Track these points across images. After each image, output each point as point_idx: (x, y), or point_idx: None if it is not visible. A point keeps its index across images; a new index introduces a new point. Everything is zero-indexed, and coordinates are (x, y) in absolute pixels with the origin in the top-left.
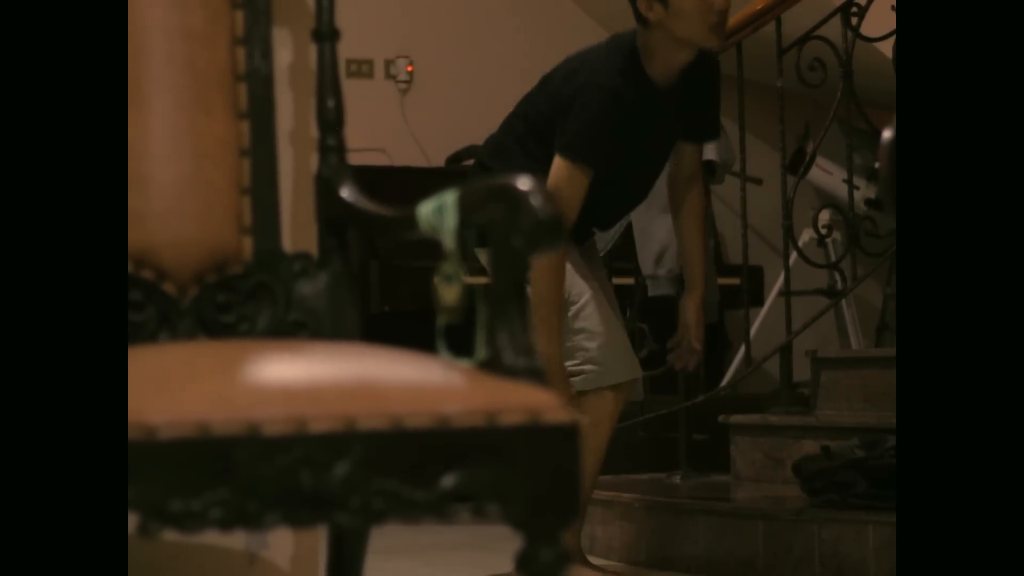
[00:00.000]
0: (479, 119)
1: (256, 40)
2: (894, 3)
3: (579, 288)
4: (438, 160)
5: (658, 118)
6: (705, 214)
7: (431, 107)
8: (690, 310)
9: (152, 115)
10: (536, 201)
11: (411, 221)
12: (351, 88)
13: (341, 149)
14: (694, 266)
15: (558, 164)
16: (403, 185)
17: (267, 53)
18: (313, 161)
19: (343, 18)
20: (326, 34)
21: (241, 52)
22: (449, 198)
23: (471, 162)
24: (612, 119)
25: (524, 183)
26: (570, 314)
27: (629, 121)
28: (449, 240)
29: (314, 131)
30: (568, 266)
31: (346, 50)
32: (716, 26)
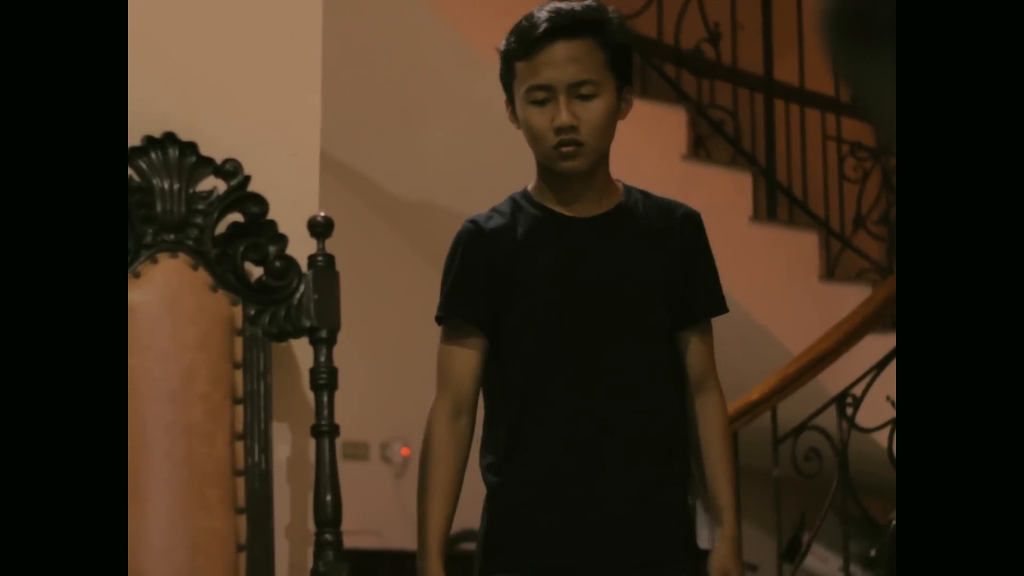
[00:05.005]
0: (475, 504)
1: (256, 435)
2: (889, 394)
3: None
4: None
5: (584, 262)
6: (727, 435)
7: None
8: (725, 558)
9: (150, 509)
10: None
11: None
12: (345, 470)
13: (338, 544)
14: (721, 496)
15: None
16: (396, 569)
17: (266, 448)
18: (309, 556)
19: (338, 402)
20: (325, 430)
21: (240, 447)
22: None
23: (468, 546)
24: (482, 255)
25: None
26: None
27: (524, 260)
28: None
29: (311, 525)
30: None
31: (341, 433)
32: (558, 148)
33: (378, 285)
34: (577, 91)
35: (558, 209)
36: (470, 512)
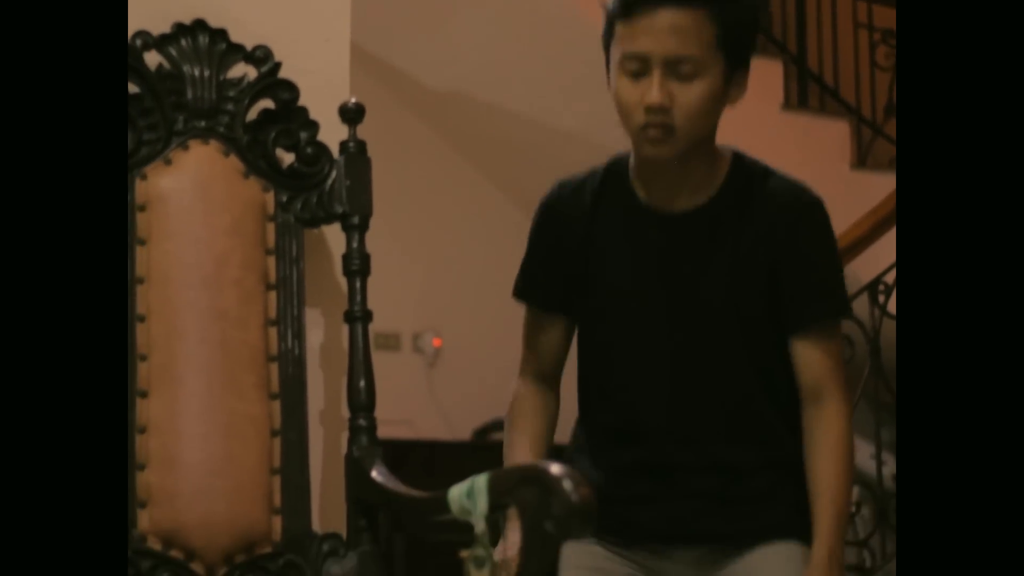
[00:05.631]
0: (505, 393)
1: (289, 321)
2: None
3: None
4: (463, 433)
5: (666, 259)
6: (848, 448)
7: (457, 381)
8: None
9: (184, 395)
10: (568, 486)
11: (442, 504)
12: (378, 361)
13: (372, 429)
14: (819, 519)
15: None
16: (429, 457)
17: (299, 334)
18: (343, 441)
19: (371, 293)
20: (358, 316)
21: (274, 333)
22: (480, 481)
23: (499, 435)
24: (553, 237)
25: (556, 469)
26: None
27: (596, 254)
28: (480, 524)
29: (345, 410)
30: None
31: (374, 324)
32: (645, 129)
33: (409, 178)
34: (676, 68)
35: (644, 198)
36: (505, 400)
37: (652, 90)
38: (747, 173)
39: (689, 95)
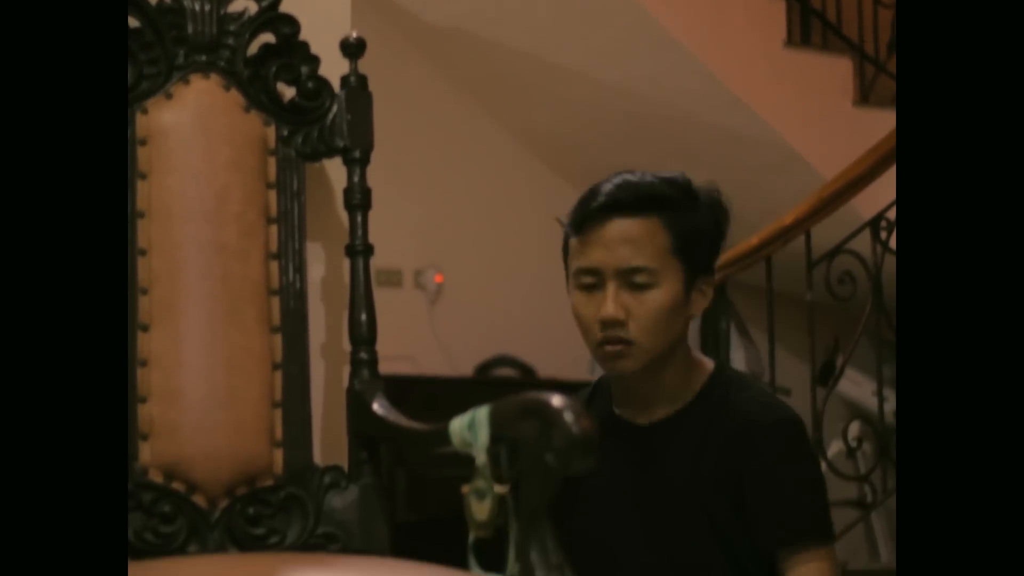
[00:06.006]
0: (507, 329)
1: (290, 255)
2: None
3: None
4: (466, 369)
5: (636, 471)
6: None
7: (459, 317)
8: None
9: (185, 328)
10: (570, 418)
11: (443, 436)
12: (380, 297)
13: (373, 363)
14: None
15: None
16: (431, 394)
17: (301, 268)
18: (345, 374)
19: (372, 229)
20: (359, 250)
21: (275, 266)
22: (482, 413)
23: (502, 370)
24: None
25: (558, 400)
26: None
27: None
28: (481, 456)
29: (346, 344)
30: None
31: (375, 260)
32: (602, 346)
33: (410, 114)
34: (630, 279)
35: (621, 410)
36: (506, 337)
37: (606, 303)
38: (723, 385)
39: (645, 306)
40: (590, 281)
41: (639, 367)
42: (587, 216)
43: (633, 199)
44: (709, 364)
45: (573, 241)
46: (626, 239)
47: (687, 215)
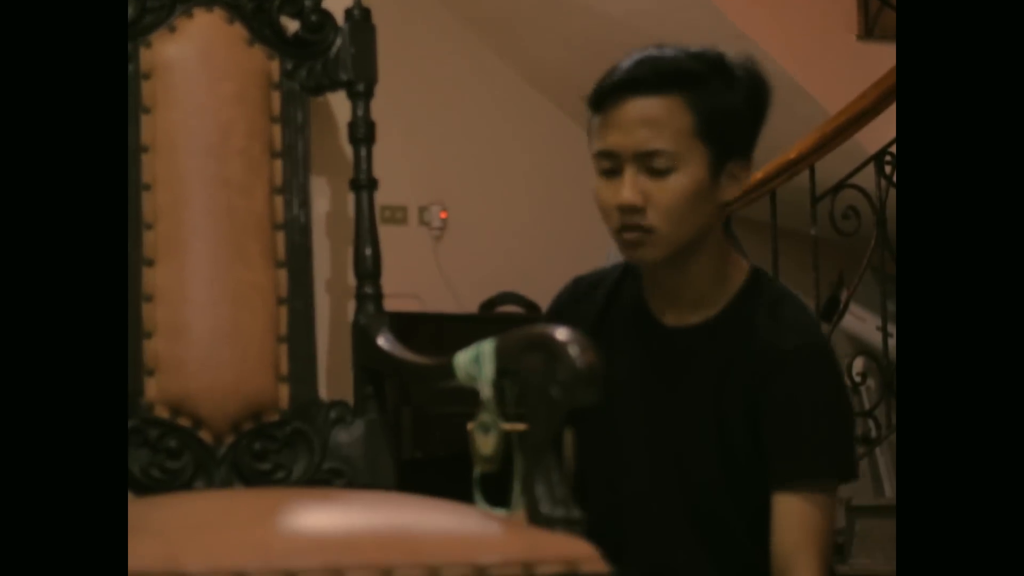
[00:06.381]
0: (512, 266)
1: (295, 189)
2: None
3: None
4: (471, 306)
5: (655, 373)
6: None
7: (464, 254)
8: None
9: (190, 263)
10: (575, 352)
11: (448, 370)
12: (384, 234)
13: (378, 297)
14: None
15: None
16: (437, 331)
17: (305, 202)
18: (350, 309)
19: (377, 165)
20: (364, 184)
21: (279, 201)
22: (487, 347)
23: (506, 308)
24: None
25: (562, 333)
26: None
27: (603, 350)
28: (486, 389)
29: (351, 279)
30: None
31: (380, 197)
32: (621, 232)
33: (415, 50)
34: (648, 163)
35: (650, 305)
36: (511, 274)
37: (623, 189)
38: (759, 295)
39: (665, 192)
40: (609, 165)
41: (661, 256)
42: (604, 95)
43: (652, 76)
44: (745, 265)
45: (593, 121)
46: (644, 120)
47: (714, 93)
